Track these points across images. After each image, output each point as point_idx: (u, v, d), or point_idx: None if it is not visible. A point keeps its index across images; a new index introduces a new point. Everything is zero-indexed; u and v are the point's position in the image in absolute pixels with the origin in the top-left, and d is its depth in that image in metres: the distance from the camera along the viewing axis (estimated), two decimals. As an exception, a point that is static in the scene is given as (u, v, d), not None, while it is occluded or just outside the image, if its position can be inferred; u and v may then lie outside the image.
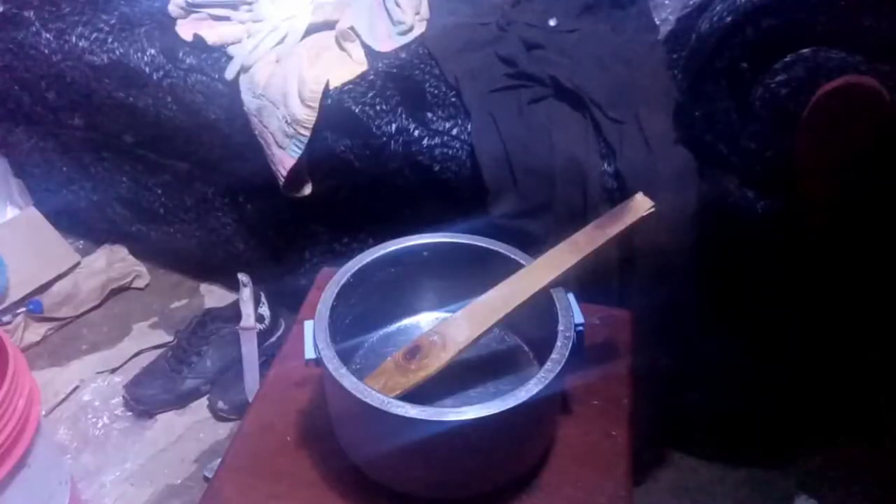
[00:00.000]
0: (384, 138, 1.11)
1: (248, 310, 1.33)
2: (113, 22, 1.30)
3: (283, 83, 1.14)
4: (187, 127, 1.27)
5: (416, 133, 1.10)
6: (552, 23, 1.22)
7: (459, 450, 0.60)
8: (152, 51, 1.26)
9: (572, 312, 0.64)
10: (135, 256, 1.58)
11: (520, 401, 0.57)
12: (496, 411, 0.56)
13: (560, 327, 0.63)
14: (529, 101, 1.07)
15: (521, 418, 0.59)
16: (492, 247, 0.73)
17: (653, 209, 0.60)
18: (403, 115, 1.11)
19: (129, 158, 1.41)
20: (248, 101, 1.17)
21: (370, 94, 1.13)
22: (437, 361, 0.66)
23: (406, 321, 0.79)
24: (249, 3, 1.30)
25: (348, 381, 0.58)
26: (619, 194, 0.99)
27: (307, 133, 1.12)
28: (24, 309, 1.43)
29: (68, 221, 1.57)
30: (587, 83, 1.06)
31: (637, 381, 0.76)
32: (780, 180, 0.96)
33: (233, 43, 1.23)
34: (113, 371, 1.39)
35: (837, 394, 1.14)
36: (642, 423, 0.76)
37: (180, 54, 1.24)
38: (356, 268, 0.70)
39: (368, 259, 0.71)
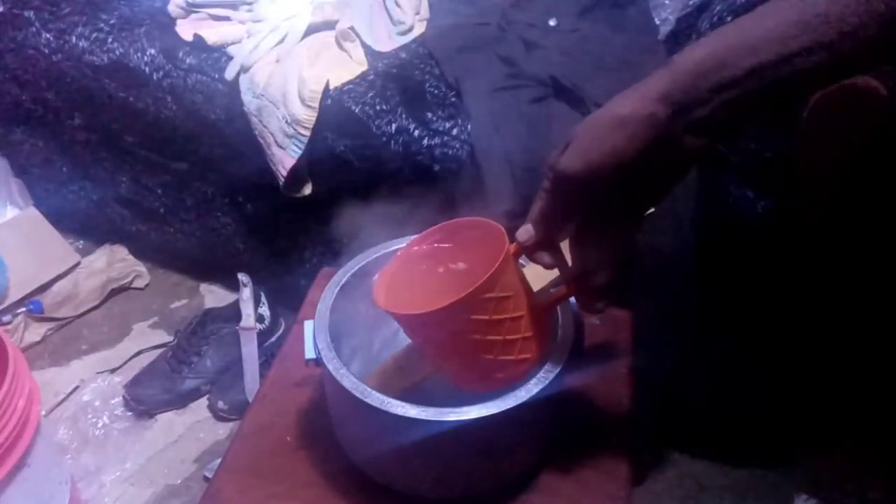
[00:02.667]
0: (384, 138, 1.11)
1: (248, 310, 1.33)
2: (113, 22, 1.30)
3: (283, 83, 1.14)
4: (187, 127, 1.27)
5: (416, 133, 1.10)
6: (552, 23, 1.22)
7: (459, 450, 0.60)
8: (152, 51, 1.26)
9: (572, 312, 0.64)
10: (135, 256, 1.58)
11: (520, 401, 0.57)
12: (496, 411, 0.56)
13: (560, 327, 0.63)
14: (529, 101, 1.07)
15: (521, 418, 0.58)
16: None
17: (652, 210, 0.60)
18: (403, 115, 1.11)
19: (129, 158, 1.41)
20: (248, 101, 1.17)
21: (370, 94, 1.13)
22: (437, 361, 0.66)
23: (406, 321, 0.78)
24: (249, 3, 1.30)
25: (348, 381, 0.58)
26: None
27: (307, 133, 1.12)
28: (24, 309, 1.43)
29: (68, 221, 1.57)
30: (587, 83, 1.06)
31: (637, 381, 0.76)
32: (780, 180, 0.96)
33: (233, 43, 1.23)
34: (113, 371, 1.39)
35: (838, 394, 1.14)
36: (642, 423, 0.76)
37: (180, 54, 1.24)
38: (356, 268, 0.70)
39: (368, 259, 0.71)
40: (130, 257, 1.57)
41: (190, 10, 1.31)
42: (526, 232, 0.55)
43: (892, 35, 0.43)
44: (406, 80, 1.15)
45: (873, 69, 0.47)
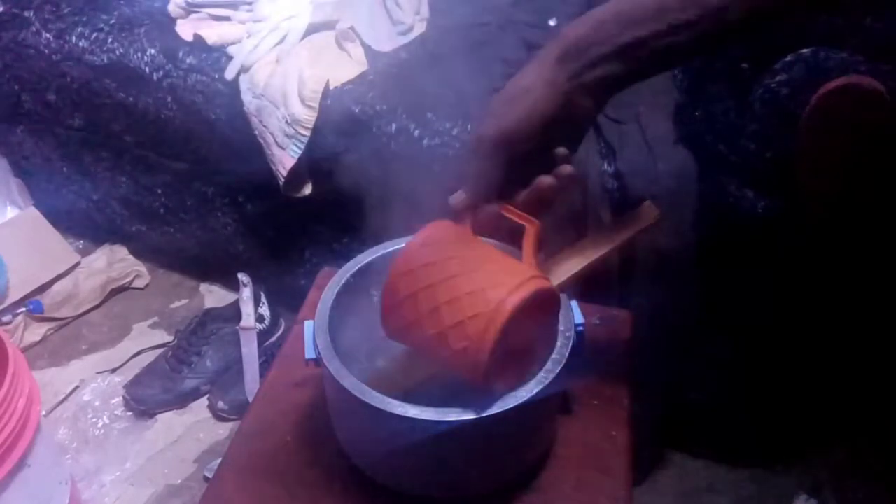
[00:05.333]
0: (384, 138, 1.11)
1: (248, 310, 1.33)
2: (113, 22, 1.30)
3: (283, 83, 1.14)
4: (187, 127, 1.27)
5: (416, 133, 1.10)
6: (552, 23, 1.22)
7: (459, 450, 0.60)
8: (152, 51, 1.26)
9: (572, 313, 0.64)
10: (135, 256, 1.58)
11: (520, 401, 0.57)
12: (496, 411, 0.56)
13: (560, 327, 0.63)
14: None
15: (521, 418, 0.58)
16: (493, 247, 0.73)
17: (659, 217, 0.60)
18: (403, 115, 1.11)
19: (129, 158, 1.41)
20: (248, 101, 1.17)
21: (370, 94, 1.13)
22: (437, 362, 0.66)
23: (406, 321, 0.78)
24: (249, 3, 1.30)
25: (348, 381, 0.58)
26: (619, 194, 0.99)
27: (307, 133, 1.12)
28: (24, 309, 1.43)
29: (68, 221, 1.57)
30: (587, 83, 1.06)
31: (637, 381, 0.76)
32: (780, 180, 0.96)
33: (233, 43, 1.23)
34: (113, 371, 1.39)
35: (838, 394, 1.14)
36: (642, 423, 0.76)
37: (180, 54, 1.24)
38: (356, 268, 0.70)
39: (368, 259, 0.71)
40: (130, 257, 1.57)
41: (190, 10, 1.31)
42: (457, 196, 0.59)
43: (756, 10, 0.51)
44: (406, 80, 1.15)
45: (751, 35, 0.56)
